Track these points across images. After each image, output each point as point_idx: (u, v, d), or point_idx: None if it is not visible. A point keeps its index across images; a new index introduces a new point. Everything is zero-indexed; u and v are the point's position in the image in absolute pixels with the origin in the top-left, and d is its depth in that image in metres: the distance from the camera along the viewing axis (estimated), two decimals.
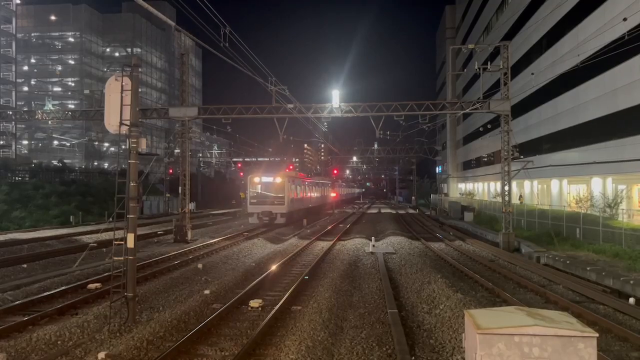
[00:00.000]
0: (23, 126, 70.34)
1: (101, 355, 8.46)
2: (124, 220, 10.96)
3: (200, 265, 18.20)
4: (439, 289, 13.79)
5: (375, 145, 74.30)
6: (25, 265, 17.98)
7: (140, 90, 12.09)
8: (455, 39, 69.73)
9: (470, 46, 30.38)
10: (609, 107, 26.10)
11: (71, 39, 79.05)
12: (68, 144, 75.12)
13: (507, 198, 25.99)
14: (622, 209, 24.95)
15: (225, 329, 10.66)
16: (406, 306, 12.86)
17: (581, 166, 28.94)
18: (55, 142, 76.35)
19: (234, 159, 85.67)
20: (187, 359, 8.83)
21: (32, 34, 78.51)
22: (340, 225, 38.87)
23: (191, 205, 32.03)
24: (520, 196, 39.79)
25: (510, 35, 41.14)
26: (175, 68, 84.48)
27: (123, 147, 11.73)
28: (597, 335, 5.35)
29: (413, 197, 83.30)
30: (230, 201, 65.76)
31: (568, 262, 18.50)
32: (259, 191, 34.80)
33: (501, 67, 26.18)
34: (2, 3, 65.43)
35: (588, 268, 16.94)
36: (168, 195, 53.98)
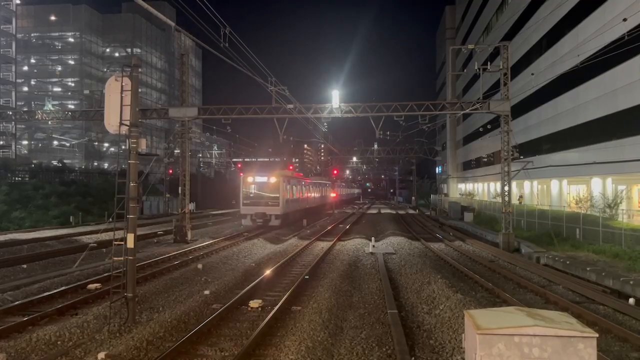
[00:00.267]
0: (23, 126, 70.27)
1: (101, 355, 8.46)
2: (123, 221, 10.96)
3: (200, 266, 18.20)
4: (438, 289, 13.79)
5: (375, 146, 74.28)
6: (25, 266, 17.98)
7: (140, 90, 12.09)
8: (455, 39, 69.74)
9: (470, 46, 30.40)
10: (608, 108, 26.10)
11: (71, 39, 78.99)
12: (68, 144, 75.08)
13: (507, 198, 26.00)
14: (622, 210, 24.96)
15: (225, 329, 10.66)
16: (406, 306, 12.86)
17: (581, 166, 28.94)
18: (55, 143, 76.28)
19: (234, 159, 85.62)
20: (187, 359, 8.84)
21: (32, 34, 78.44)
22: (340, 225, 38.88)
23: (191, 206, 32.00)
24: (520, 196, 39.77)
25: (510, 35, 41.15)
26: (175, 68, 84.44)
27: (123, 147, 11.74)
28: (597, 335, 5.36)
29: (413, 198, 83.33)
30: (230, 201, 65.71)
31: (568, 262, 18.50)
32: (253, 191, 33.04)
33: (501, 67, 26.20)
34: (2, 3, 65.40)
35: (588, 268, 16.94)
36: (168, 195, 53.97)
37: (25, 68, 77.16)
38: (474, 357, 5.49)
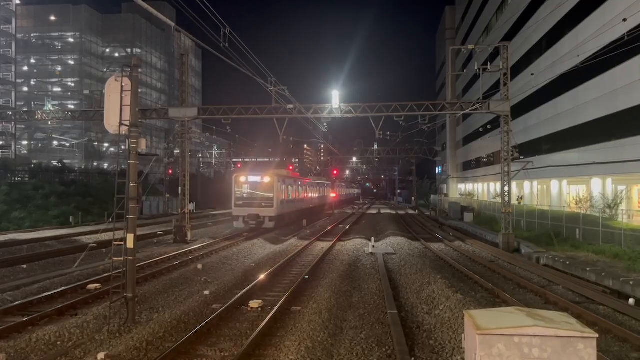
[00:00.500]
0: (23, 126, 70.30)
1: (101, 355, 8.46)
2: (123, 221, 10.96)
3: (200, 266, 18.20)
4: (438, 289, 13.79)
5: (375, 146, 74.24)
6: (24, 266, 17.98)
7: (140, 90, 12.09)
8: (455, 40, 69.74)
9: (470, 47, 30.37)
10: (608, 108, 26.09)
11: (71, 40, 79.03)
12: (68, 145, 75.08)
13: (506, 199, 26.00)
14: (622, 210, 24.95)
15: (225, 330, 10.66)
16: (406, 307, 12.86)
17: (581, 167, 28.93)
18: (55, 143, 76.30)
19: (234, 160, 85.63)
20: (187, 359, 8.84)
21: (32, 35, 78.49)
22: (340, 225, 38.87)
23: (191, 206, 31.95)
24: (520, 197, 39.75)
25: (510, 35, 41.15)
26: (175, 68, 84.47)
27: (123, 147, 11.73)
28: (596, 335, 5.35)
29: (413, 198, 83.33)
30: (230, 202, 65.66)
31: (568, 262, 18.49)
32: (245, 192, 31.24)
33: (501, 67, 26.20)
34: (2, 3, 65.44)
35: (588, 269, 16.93)
36: (168, 195, 53.97)
37: (25, 68, 77.19)
38: (474, 357, 5.48)
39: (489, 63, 27.40)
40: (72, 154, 75.14)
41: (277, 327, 10.68)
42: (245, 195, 31.32)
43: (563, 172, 31.88)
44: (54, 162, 62.06)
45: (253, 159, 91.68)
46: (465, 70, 49.61)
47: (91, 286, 14.29)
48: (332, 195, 61.22)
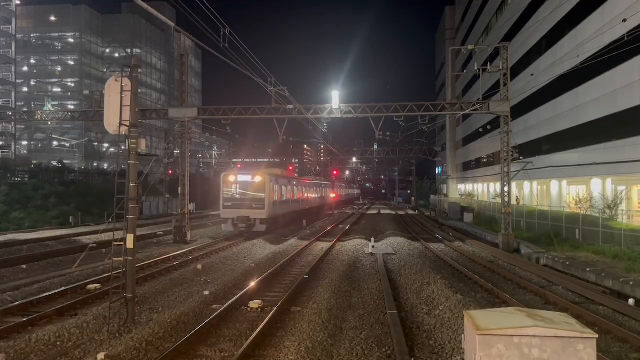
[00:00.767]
0: (22, 127, 70.31)
1: (100, 356, 8.46)
2: (123, 221, 10.96)
3: (199, 266, 18.20)
4: (438, 290, 13.79)
5: (375, 146, 74.18)
6: (24, 266, 17.99)
7: (139, 91, 12.08)
8: (455, 40, 69.75)
9: (470, 47, 30.38)
10: (608, 108, 26.10)
11: (71, 40, 79.02)
12: (68, 145, 75.05)
13: (506, 199, 26.00)
14: (622, 210, 24.95)
15: (224, 330, 10.66)
16: (406, 307, 12.86)
17: (581, 167, 28.94)
18: (55, 143, 76.26)
19: (234, 160, 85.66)
20: None
21: (32, 35, 78.46)
22: (340, 226, 38.86)
23: (191, 206, 31.96)
24: (518, 198, 39.73)
25: (510, 36, 41.16)
26: (175, 69, 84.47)
27: (123, 147, 11.73)
28: (596, 336, 5.35)
29: (413, 198, 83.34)
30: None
31: (568, 263, 18.50)
32: (235, 192, 29.05)
33: (501, 68, 26.21)
34: (2, 3, 65.44)
35: (588, 269, 16.94)
36: (167, 196, 53.96)
37: (25, 68, 77.18)
38: (474, 357, 5.48)
39: (488, 63, 27.41)
40: (72, 154, 75.11)
41: (277, 328, 10.68)
42: (234, 196, 29.13)
43: (563, 172, 31.89)
44: (54, 163, 62.04)
45: (253, 159, 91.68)
46: (465, 71, 49.57)
47: (91, 286, 14.28)
48: (332, 195, 61.19)
